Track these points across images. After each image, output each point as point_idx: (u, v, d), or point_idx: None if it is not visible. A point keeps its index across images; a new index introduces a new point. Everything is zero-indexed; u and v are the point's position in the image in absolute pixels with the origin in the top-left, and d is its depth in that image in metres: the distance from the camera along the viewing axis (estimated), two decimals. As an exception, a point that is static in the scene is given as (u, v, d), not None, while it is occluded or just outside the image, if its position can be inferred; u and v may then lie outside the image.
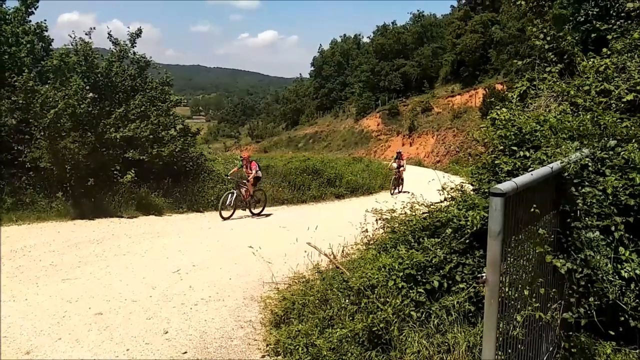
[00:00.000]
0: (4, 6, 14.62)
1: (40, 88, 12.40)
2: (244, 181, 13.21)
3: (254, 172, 13.12)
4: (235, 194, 12.83)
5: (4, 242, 9.35)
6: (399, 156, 20.24)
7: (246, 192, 13.13)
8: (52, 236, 10.06)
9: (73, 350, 5.18)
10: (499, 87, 37.14)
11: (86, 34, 13.81)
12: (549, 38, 6.51)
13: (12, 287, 6.97)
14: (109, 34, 14.41)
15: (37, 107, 12.21)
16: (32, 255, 8.61)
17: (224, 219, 12.43)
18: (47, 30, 15.50)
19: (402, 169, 19.81)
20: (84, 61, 13.30)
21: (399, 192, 19.07)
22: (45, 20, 15.49)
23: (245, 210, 13.62)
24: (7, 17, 14.48)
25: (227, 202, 12.64)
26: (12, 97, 12.66)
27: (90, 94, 12.99)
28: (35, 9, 15.16)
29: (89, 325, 5.78)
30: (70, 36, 13.72)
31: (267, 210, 14.59)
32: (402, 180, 19.85)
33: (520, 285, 3.55)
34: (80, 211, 11.86)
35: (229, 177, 13.39)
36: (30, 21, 15.05)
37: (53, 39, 15.96)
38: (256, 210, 13.56)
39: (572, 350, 4.08)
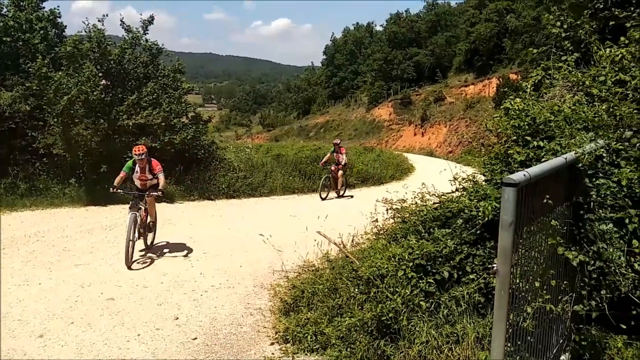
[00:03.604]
0: (18, -8, 14.72)
1: (53, 74, 12.48)
2: (148, 193, 8.01)
3: (161, 179, 8.05)
4: (138, 219, 7.77)
5: (18, 227, 9.49)
6: (336, 149, 15.17)
7: (146, 212, 8.08)
8: (65, 222, 10.18)
9: (85, 334, 5.26)
10: (513, 76, 36.64)
11: (99, 21, 13.85)
12: (565, 26, 6.38)
13: (26, 272, 7.08)
14: (121, 20, 14.41)
15: (51, 93, 12.31)
16: (45, 241, 8.72)
17: (129, 266, 7.42)
18: (60, 17, 15.65)
19: (340, 166, 14.99)
20: (97, 48, 13.33)
21: (339, 195, 15.10)
22: (58, 6, 15.62)
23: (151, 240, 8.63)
24: (21, 3, 14.58)
25: (132, 237, 7.53)
26: (26, 83, 12.77)
27: (103, 81, 13.03)
28: (49, -4, 15.24)
29: (100, 310, 5.86)
30: (84, 23, 13.76)
31: (275, 200, 14.60)
32: (342, 181, 15.21)
33: (531, 277, 3.52)
34: (93, 197, 11.96)
35: (116, 191, 7.93)
36: (43, 7, 15.19)
37: (66, 26, 16.11)
38: (149, 239, 8.45)
39: (583, 343, 4.05)
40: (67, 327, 5.42)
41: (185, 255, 8.10)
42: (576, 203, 4.06)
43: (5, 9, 14.40)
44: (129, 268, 7.33)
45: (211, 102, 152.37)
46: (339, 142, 15.92)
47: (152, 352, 4.94)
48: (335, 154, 15.15)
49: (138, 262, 7.70)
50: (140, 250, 8.16)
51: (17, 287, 6.48)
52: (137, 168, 8.07)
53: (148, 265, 7.57)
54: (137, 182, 8.21)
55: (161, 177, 8.09)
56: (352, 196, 15.30)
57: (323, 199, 14.42)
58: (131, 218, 7.64)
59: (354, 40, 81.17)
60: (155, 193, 8.00)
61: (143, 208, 7.97)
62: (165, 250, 8.35)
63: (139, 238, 7.91)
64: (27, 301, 6.04)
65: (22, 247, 8.30)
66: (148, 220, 8.23)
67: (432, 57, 60.82)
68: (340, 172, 14.99)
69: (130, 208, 7.85)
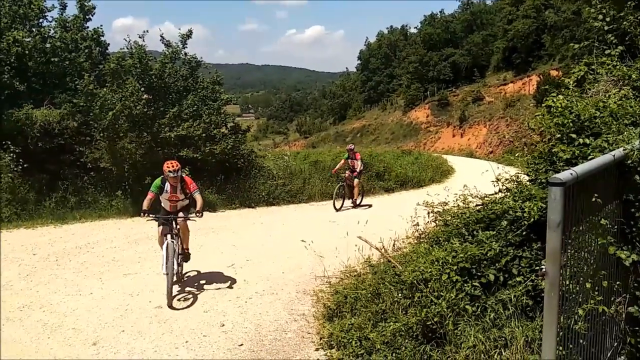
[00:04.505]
0: (64, 14, 15.37)
1: (99, 91, 12.96)
2: (186, 216, 7.07)
3: (199, 199, 7.00)
4: (175, 248, 6.82)
5: (69, 240, 9.86)
6: (350, 155, 14.10)
7: (180, 239, 7.06)
8: (113, 233, 10.51)
9: (136, 341, 5.42)
10: (554, 73, 35.68)
11: (140, 37, 14.27)
12: (608, 19, 6.16)
13: (78, 282, 7.35)
14: (161, 36, 14.78)
15: (97, 109, 12.81)
16: (95, 252, 9.03)
17: (170, 304, 6.38)
18: (103, 35, 16.21)
19: (355, 173, 13.89)
20: (139, 64, 13.74)
21: (355, 205, 14.04)
22: (101, 25, 16.21)
23: None
24: (67, 24, 15.22)
25: (171, 270, 6.58)
26: (73, 100, 13.31)
27: (145, 95, 13.41)
28: (92, 16, 15.86)
29: (149, 318, 6.02)
30: (125, 40, 14.21)
31: (314, 206, 14.60)
32: (359, 189, 14.21)
33: (581, 278, 3.42)
34: (138, 209, 12.18)
35: (146, 216, 6.79)
36: (87, 27, 15.77)
37: (109, 43, 16.69)
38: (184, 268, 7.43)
39: (639, 346, 3.90)
40: (119, 335, 5.60)
41: (229, 263, 8.22)
42: (626, 201, 3.92)
43: (52, 31, 15.06)
44: (170, 307, 6.30)
45: (249, 111, 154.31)
46: (352, 147, 14.59)
47: (200, 359, 5.05)
48: (349, 160, 14.04)
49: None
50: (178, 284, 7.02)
51: (71, 297, 6.73)
52: (168, 187, 6.91)
53: (193, 273, 7.71)
54: (166, 204, 7.06)
55: (198, 196, 6.96)
56: (370, 205, 14.45)
57: (337, 210, 13.38)
58: (168, 248, 6.65)
59: (389, 43, 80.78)
60: (194, 217, 6.86)
61: (178, 234, 6.91)
62: (209, 258, 8.50)
63: (178, 270, 6.92)
64: (80, 310, 6.27)
65: (74, 258, 8.61)
66: (182, 248, 7.10)
67: (468, 56, 59.98)
68: (356, 180, 13.94)
69: (163, 235, 6.85)
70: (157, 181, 6.92)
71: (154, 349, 5.26)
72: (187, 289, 7.07)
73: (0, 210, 11.36)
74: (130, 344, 5.38)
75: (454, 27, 64.90)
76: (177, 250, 6.77)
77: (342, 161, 14.30)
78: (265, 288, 7.07)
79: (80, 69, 14.25)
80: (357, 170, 13.86)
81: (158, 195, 6.94)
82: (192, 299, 6.67)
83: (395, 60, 76.72)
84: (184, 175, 7.02)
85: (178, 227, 6.95)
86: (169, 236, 6.76)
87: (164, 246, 6.72)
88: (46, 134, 12.82)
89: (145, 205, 6.76)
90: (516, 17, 51.96)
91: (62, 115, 13.16)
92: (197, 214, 6.80)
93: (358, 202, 14.19)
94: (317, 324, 5.78)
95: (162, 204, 7.12)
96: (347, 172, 14.00)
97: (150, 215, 6.80)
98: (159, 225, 7.00)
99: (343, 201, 13.86)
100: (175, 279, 6.81)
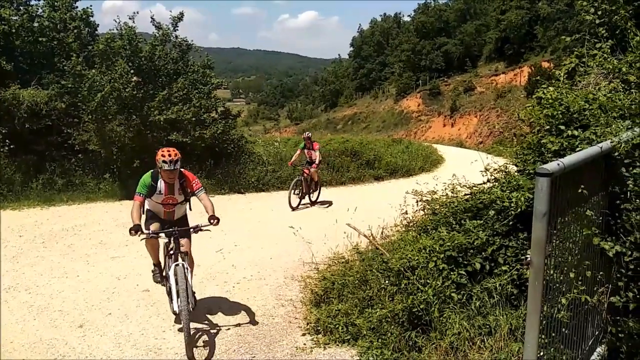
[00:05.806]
0: (53, -7, 15.12)
1: (87, 72, 12.79)
2: (196, 227, 5.35)
3: (208, 201, 5.35)
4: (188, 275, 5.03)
5: (56, 222, 9.80)
6: (307, 145, 12.36)
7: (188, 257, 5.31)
8: (101, 216, 10.46)
9: (122, 324, 5.42)
10: (545, 65, 35.81)
11: (130, 19, 14.07)
12: (599, 12, 6.18)
13: (65, 264, 7.32)
14: (152, 17, 14.59)
15: (85, 90, 12.64)
16: (82, 234, 8.99)
17: (191, 356, 4.66)
18: (92, 16, 15.99)
19: (314, 165, 12.13)
20: (129, 45, 13.56)
21: (312, 202, 12.32)
22: (90, 5, 15.98)
23: None
24: (55, 4, 14.96)
25: (184, 305, 4.72)
26: (62, 81, 13.14)
27: (135, 78, 13.26)
28: (81, -5, 15.61)
29: (137, 302, 6.03)
30: (115, 21, 14.01)
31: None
32: (316, 183, 12.38)
33: (565, 268, 3.47)
34: (127, 192, 12.19)
35: (139, 235, 5.09)
36: (76, 7, 15.53)
37: (98, 24, 16.45)
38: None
39: (620, 335, 3.97)
40: (105, 317, 5.60)
41: (217, 248, 8.22)
42: (612, 193, 3.96)
43: (40, 10, 14.83)
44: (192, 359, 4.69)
45: (239, 96, 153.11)
46: (309, 135, 12.82)
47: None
48: (306, 151, 12.41)
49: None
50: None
51: (57, 279, 6.72)
52: (162, 186, 5.16)
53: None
54: (158, 209, 5.35)
55: (205, 197, 5.23)
56: (330, 202, 12.53)
57: (294, 209, 11.66)
58: (178, 274, 4.89)
59: (381, 31, 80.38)
60: (208, 226, 5.12)
61: (185, 253, 5.14)
62: (197, 243, 8.47)
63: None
64: (67, 293, 6.26)
65: (61, 240, 8.57)
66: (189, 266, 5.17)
67: (461, 46, 59.87)
68: (314, 173, 12.13)
69: (164, 254, 5.34)
70: (146, 178, 5.13)
71: (140, 332, 5.27)
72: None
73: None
74: (117, 326, 5.39)
75: (447, 16, 64.70)
76: (189, 277, 4.98)
77: (299, 151, 12.66)
78: (253, 273, 7.09)
79: (68, 50, 14.05)
80: (316, 162, 12.19)
81: (147, 197, 5.19)
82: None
83: (388, 48, 76.42)
84: (182, 170, 5.21)
85: (182, 246, 5.15)
86: (174, 256, 5.06)
87: (171, 273, 4.95)
88: (33, 115, 12.67)
89: (135, 217, 4.98)
90: (509, 7, 51.91)
91: (49, 96, 13.00)
92: (212, 221, 5.05)
93: (314, 198, 12.45)
94: (305, 309, 5.81)
95: (152, 209, 5.38)
96: (304, 164, 12.40)
97: (147, 232, 5.07)
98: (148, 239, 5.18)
99: (301, 199, 12.08)
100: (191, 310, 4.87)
